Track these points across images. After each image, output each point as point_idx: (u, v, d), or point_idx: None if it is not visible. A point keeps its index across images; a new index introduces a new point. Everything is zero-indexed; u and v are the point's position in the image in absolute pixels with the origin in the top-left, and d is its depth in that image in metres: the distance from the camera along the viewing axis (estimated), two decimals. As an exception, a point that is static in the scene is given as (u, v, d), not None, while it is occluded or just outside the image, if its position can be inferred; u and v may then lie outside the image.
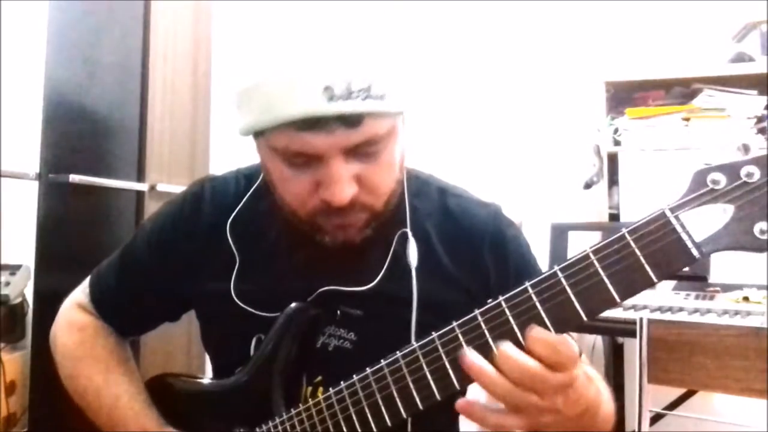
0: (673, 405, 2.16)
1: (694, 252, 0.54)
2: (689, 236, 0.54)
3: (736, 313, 1.71)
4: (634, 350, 1.80)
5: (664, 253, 0.55)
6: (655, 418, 2.11)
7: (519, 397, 0.58)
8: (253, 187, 0.87)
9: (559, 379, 0.58)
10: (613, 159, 2.30)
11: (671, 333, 1.73)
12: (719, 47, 2.28)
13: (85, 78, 2.10)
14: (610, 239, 0.57)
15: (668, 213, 0.55)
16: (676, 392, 2.15)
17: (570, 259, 0.58)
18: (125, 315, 0.95)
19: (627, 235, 0.56)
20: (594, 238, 2.13)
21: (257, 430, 0.79)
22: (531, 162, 2.57)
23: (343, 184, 0.69)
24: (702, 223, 0.54)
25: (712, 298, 1.83)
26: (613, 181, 2.30)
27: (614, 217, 2.27)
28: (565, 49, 2.54)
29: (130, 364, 0.94)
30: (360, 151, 0.69)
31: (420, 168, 0.91)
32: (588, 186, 2.33)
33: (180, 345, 2.51)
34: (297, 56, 0.63)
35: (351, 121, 0.65)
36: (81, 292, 0.97)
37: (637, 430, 1.81)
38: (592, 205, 2.36)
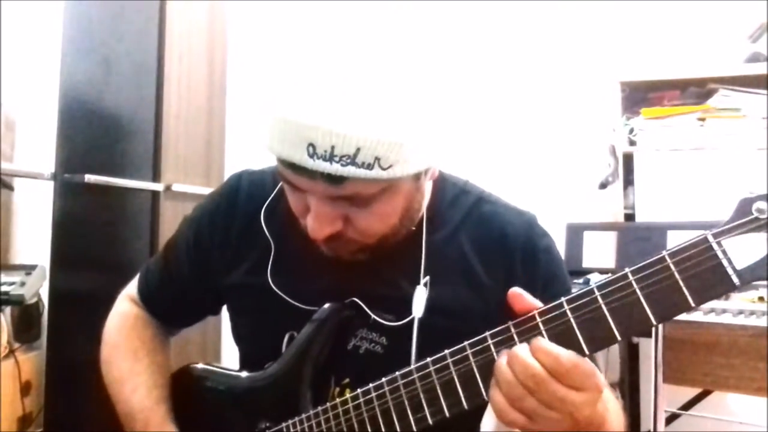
0: (689, 405, 2.20)
1: (735, 279, 0.55)
2: (730, 263, 0.55)
3: (752, 313, 1.75)
4: (649, 350, 1.86)
5: (704, 278, 0.56)
6: (671, 418, 2.17)
7: (517, 392, 0.60)
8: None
9: (563, 393, 0.59)
10: (628, 159, 2.31)
11: (687, 333, 1.78)
12: (735, 47, 2.29)
13: (100, 78, 2.14)
14: (649, 260, 0.58)
15: (710, 238, 0.56)
16: (692, 392, 2.20)
17: (608, 277, 0.60)
18: (169, 308, 1.00)
19: (667, 258, 0.57)
20: (609, 238, 2.20)
21: (283, 425, 0.81)
22: (546, 162, 2.58)
23: (321, 223, 0.71)
24: (744, 251, 0.55)
25: (727, 297, 1.85)
26: (628, 181, 2.32)
27: (629, 218, 2.29)
28: (581, 50, 2.56)
29: (160, 356, 0.97)
30: (346, 198, 0.69)
31: (455, 174, 0.93)
32: (603, 186, 2.35)
33: (195, 335, 2.55)
34: (293, 104, 0.63)
35: (333, 178, 0.65)
36: (133, 285, 1.03)
37: (652, 430, 1.86)
38: (608, 205, 2.38)
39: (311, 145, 0.62)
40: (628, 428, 2.13)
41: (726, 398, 2.27)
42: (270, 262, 0.87)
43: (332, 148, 0.62)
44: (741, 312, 1.77)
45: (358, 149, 0.62)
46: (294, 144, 0.63)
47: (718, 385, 1.84)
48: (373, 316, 0.82)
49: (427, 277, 0.82)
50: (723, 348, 1.74)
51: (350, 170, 0.63)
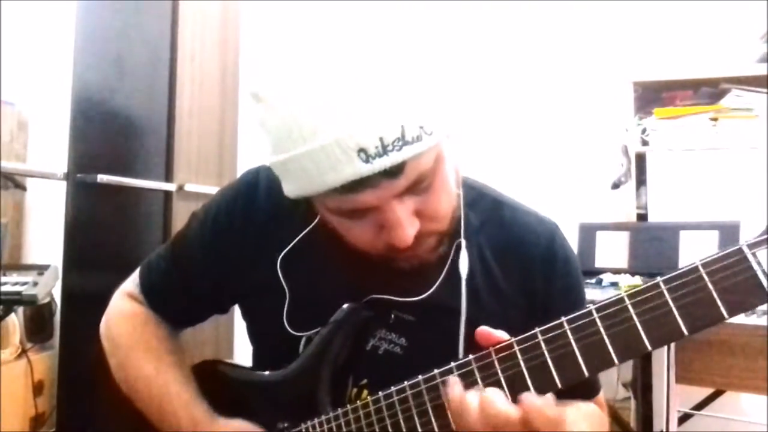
0: (701, 405, 2.26)
1: None
2: (765, 274, 0.55)
3: (764, 313, 1.75)
4: (661, 350, 1.88)
5: (738, 290, 0.56)
6: (683, 418, 2.22)
7: None
8: (310, 227, 0.88)
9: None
10: (641, 159, 2.36)
11: (699, 333, 1.83)
12: (747, 47, 2.34)
13: (113, 78, 2.18)
14: (682, 270, 0.58)
15: (745, 249, 0.56)
16: (704, 392, 2.24)
17: (639, 286, 0.60)
18: (175, 306, 0.97)
19: (700, 268, 0.57)
20: (622, 238, 2.24)
21: (302, 426, 0.81)
22: (559, 162, 2.63)
23: (404, 226, 0.69)
24: None
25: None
26: (640, 181, 2.36)
27: (642, 217, 2.34)
28: (594, 50, 2.61)
29: (180, 353, 0.95)
30: (412, 189, 0.69)
31: (473, 177, 0.94)
32: (616, 186, 2.40)
33: (208, 331, 2.58)
34: (323, 124, 0.62)
35: (392, 171, 0.64)
36: (131, 283, 0.99)
37: (665, 430, 1.90)
38: (620, 205, 2.43)
39: (361, 150, 0.62)
40: (641, 428, 2.18)
41: (739, 398, 2.31)
42: (285, 310, 0.86)
43: (381, 140, 0.62)
44: (753, 312, 1.78)
45: (403, 126, 0.63)
46: (342, 162, 0.63)
47: (731, 385, 1.89)
48: (397, 299, 0.82)
49: (463, 242, 0.83)
50: (736, 348, 1.78)
51: (406, 151, 0.63)
